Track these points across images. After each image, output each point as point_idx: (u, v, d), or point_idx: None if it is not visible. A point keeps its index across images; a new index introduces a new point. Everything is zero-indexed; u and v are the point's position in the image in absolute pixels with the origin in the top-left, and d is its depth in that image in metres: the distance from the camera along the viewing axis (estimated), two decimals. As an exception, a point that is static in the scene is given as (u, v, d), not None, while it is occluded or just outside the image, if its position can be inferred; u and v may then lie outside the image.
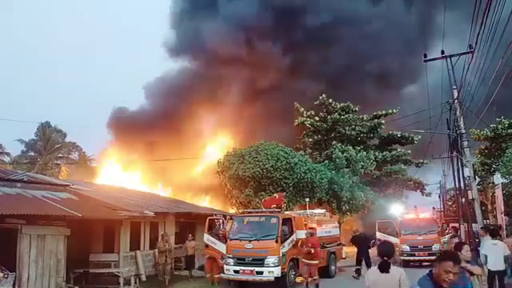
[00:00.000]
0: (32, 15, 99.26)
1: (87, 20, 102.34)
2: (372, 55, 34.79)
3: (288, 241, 12.55)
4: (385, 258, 4.39)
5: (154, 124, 32.47)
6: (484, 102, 15.73)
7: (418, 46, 26.04)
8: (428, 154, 29.34)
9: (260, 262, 11.88)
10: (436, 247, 17.20)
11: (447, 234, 17.99)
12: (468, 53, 15.43)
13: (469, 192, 18.53)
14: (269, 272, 11.74)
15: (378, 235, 19.05)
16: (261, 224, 12.80)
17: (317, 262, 12.32)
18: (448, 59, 17.58)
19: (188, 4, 40.19)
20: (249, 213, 14.19)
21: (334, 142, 26.38)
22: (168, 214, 16.49)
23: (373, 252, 14.63)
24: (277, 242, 11.97)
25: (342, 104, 29.02)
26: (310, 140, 28.97)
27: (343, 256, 17.01)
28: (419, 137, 28.63)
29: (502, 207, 17.25)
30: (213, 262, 13.43)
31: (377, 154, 27.39)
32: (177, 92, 35.08)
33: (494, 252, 9.01)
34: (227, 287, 13.38)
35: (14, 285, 9.34)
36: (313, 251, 12.06)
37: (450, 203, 40.90)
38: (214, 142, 34.24)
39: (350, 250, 18.29)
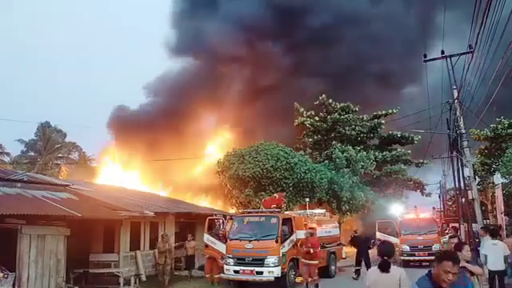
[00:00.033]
0: (32, 15, 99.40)
1: (87, 20, 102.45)
2: (372, 55, 34.83)
3: (288, 241, 12.55)
4: (385, 258, 4.40)
5: (154, 123, 32.48)
6: (484, 102, 15.75)
7: (417, 46, 26.05)
8: (428, 154, 29.38)
9: (260, 262, 11.88)
10: (436, 247, 17.18)
11: (447, 234, 18.00)
12: (468, 53, 15.45)
13: (469, 192, 18.54)
14: (269, 272, 11.74)
15: (378, 235, 19.05)
16: (261, 224, 12.80)
17: (316, 262, 12.31)
18: (448, 59, 17.60)
19: (188, 3, 40.25)
20: (249, 213, 14.19)
21: (334, 142, 26.38)
22: (168, 214, 16.48)
23: (373, 252, 14.65)
24: (277, 242, 11.97)
25: (342, 104, 29.02)
26: (310, 140, 28.96)
27: (343, 256, 17.02)
28: (419, 137, 28.63)
29: (502, 207, 17.27)
30: (213, 262, 13.43)
31: (377, 154, 27.38)
32: (177, 91, 35.10)
33: (493, 252, 9.03)
34: (227, 287, 13.37)
35: (13, 285, 9.34)
36: (312, 251, 12.06)
37: (450, 203, 40.92)
38: (214, 142, 34.26)
39: (350, 250, 18.31)
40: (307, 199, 17.41)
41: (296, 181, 19.63)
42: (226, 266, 12.44)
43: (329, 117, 28.86)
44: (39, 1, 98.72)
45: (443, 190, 39.39)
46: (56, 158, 39.74)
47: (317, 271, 12.55)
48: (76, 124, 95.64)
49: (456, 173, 20.46)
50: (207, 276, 13.74)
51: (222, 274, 12.78)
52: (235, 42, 33.82)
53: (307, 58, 35.41)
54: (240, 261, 12.21)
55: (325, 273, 14.40)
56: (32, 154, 40.45)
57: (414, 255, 17.77)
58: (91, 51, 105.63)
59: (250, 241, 12.27)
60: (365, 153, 25.13)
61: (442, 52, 17.71)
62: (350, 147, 24.99)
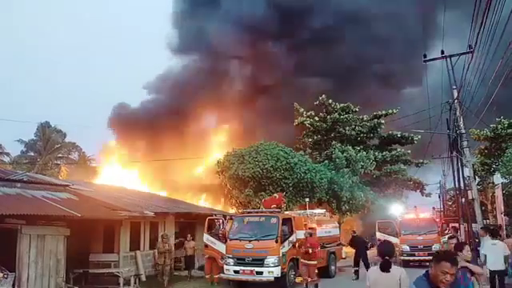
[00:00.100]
0: (32, 15, 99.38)
1: (87, 20, 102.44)
2: (372, 55, 34.84)
3: (288, 241, 12.54)
4: (386, 258, 4.40)
5: (154, 122, 32.50)
6: (484, 102, 15.74)
7: (418, 46, 26.05)
8: (428, 154, 29.38)
9: (260, 262, 11.87)
10: (436, 247, 17.19)
11: (447, 234, 18.01)
12: (468, 53, 15.43)
13: (469, 192, 18.53)
14: (269, 272, 11.74)
15: (378, 235, 19.06)
16: (261, 224, 12.80)
17: (315, 262, 12.31)
18: (448, 59, 17.58)
19: (189, 3, 40.25)
20: (249, 213, 14.18)
21: (334, 142, 26.38)
22: (168, 214, 16.48)
23: (373, 253, 14.64)
24: (277, 242, 11.97)
25: (342, 104, 29.02)
26: (310, 140, 28.96)
27: (343, 256, 17.03)
28: (419, 137, 28.64)
29: (502, 207, 17.28)
30: (212, 262, 13.43)
31: (377, 153, 27.38)
32: (177, 91, 35.14)
33: (493, 252, 9.06)
34: (227, 287, 13.37)
35: (13, 285, 9.34)
36: (311, 251, 12.06)
37: (450, 203, 40.91)
38: (215, 142, 34.26)
39: (350, 251, 18.28)
40: (307, 199, 17.40)
41: (296, 181, 19.63)
42: (225, 266, 12.44)
43: (328, 117, 28.86)
44: (39, 1, 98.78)
45: (443, 190, 39.38)
46: (56, 158, 39.72)
47: (316, 271, 12.55)
48: (76, 124, 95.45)
49: (456, 173, 20.45)
50: (207, 276, 13.73)
51: (221, 274, 12.78)
52: (236, 42, 33.87)
53: (307, 57, 35.44)
54: (240, 261, 12.21)
55: (325, 273, 14.41)
56: (32, 154, 40.44)
57: (413, 255, 17.77)
58: (91, 51, 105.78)
59: (249, 241, 12.27)
60: (365, 153, 25.13)
61: (442, 52, 17.70)
62: (350, 147, 24.99)
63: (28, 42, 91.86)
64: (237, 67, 36.46)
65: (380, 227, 19.67)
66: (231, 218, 14.68)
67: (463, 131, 17.70)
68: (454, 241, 6.52)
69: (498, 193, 17.30)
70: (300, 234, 12.93)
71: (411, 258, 17.66)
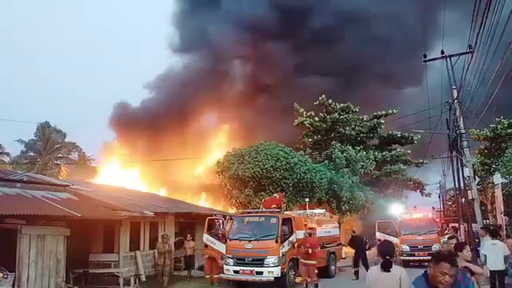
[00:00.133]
0: (32, 15, 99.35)
1: (87, 20, 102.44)
2: (372, 55, 34.88)
3: (288, 241, 12.54)
4: (387, 257, 4.41)
5: (155, 122, 32.51)
6: (484, 102, 15.76)
7: (418, 46, 26.06)
8: (428, 154, 29.39)
9: (260, 262, 11.87)
10: (436, 247, 17.19)
11: (446, 234, 18.01)
12: (468, 53, 15.44)
13: (469, 192, 18.54)
14: (268, 272, 11.74)
15: (378, 235, 19.06)
16: (261, 224, 12.80)
17: (314, 262, 12.30)
18: (448, 59, 17.59)
19: (190, 2, 40.28)
20: (249, 213, 14.18)
21: (334, 142, 26.36)
22: (168, 214, 16.47)
23: (373, 253, 14.64)
24: (277, 242, 11.97)
25: (341, 104, 29.02)
26: (310, 140, 28.96)
27: (343, 256, 17.01)
28: (419, 137, 28.63)
29: (502, 207, 17.28)
30: (212, 262, 13.42)
31: (376, 153, 27.38)
32: (178, 91, 35.13)
33: (493, 252, 9.06)
34: (227, 287, 13.37)
35: (13, 285, 9.34)
36: (311, 251, 12.06)
37: (450, 203, 40.91)
38: (215, 142, 34.26)
39: (350, 251, 18.28)
40: (307, 199, 17.40)
41: (296, 181, 19.63)
42: (225, 266, 12.44)
43: (328, 117, 28.84)
44: (39, 1, 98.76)
45: (443, 190, 39.38)
46: (56, 158, 39.71)
47: (316, 271, 12.55)
48: (76, 124, 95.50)
49: (456, 173, 20.46)
50: (207, 276, 13.73)
51: (221, 274, 12.78)
52: (236, 42, 33.92)
53: (308, 57, 35.48)
54: (240, 261, 12.21)
55: (325, 273, 14.40)
56: (32, 154, 40.44)
57: (413, 255, 17.78)
58: (91, 51, 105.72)
59: (249, 241, 12.27)
60: (364, 153, 25.12)
61: (442, 52, 17.71)
62: (350, 147, 24.97)
63: (28, 42, 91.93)
64: (237, 67, 36.55)
65: (380, 227, 19.66)
66: (231, 218, 14.68)
67: (463, 131, 17.71)
68: (454, 241, 6.53)
69: (498, 193, 17.30)
70: (300, 234, 12.92)
71: (411, 258, 17.66)
